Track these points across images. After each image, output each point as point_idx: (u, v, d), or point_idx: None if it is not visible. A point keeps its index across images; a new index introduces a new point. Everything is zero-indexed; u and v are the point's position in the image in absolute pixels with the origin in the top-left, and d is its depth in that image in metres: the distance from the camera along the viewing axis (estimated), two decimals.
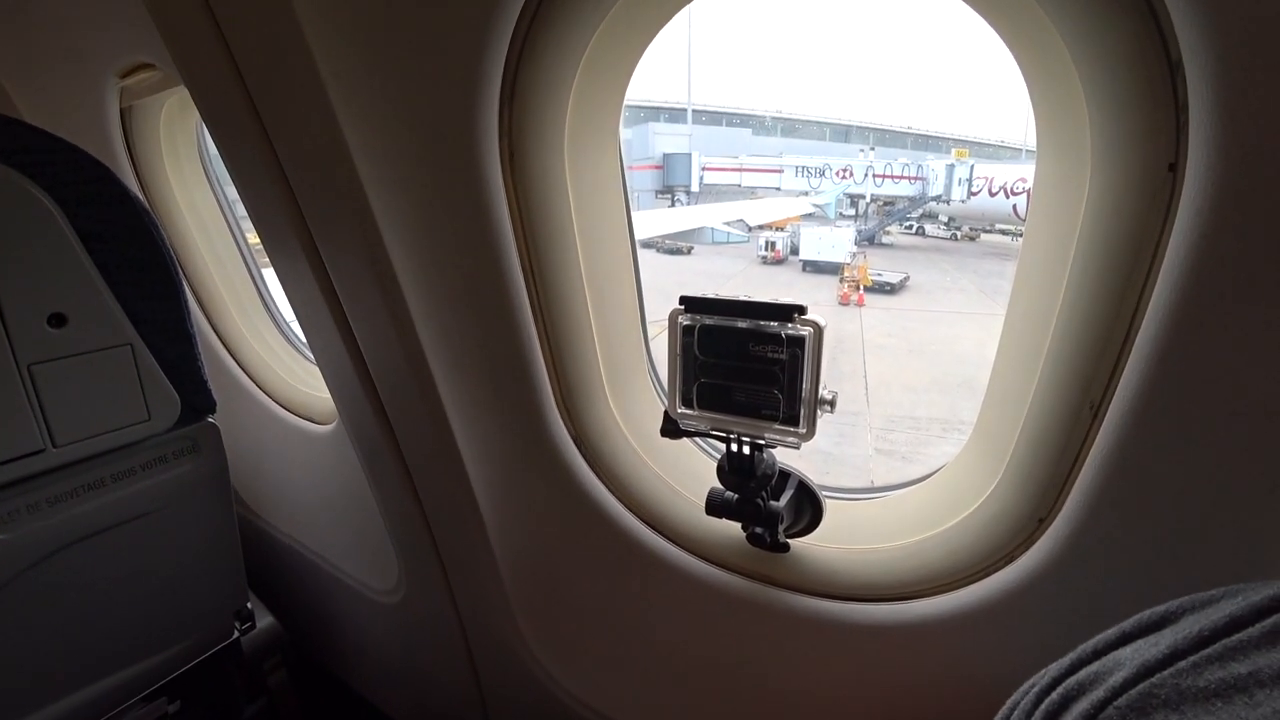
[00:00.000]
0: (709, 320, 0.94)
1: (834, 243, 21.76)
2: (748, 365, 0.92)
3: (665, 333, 1.01)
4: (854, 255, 21.15)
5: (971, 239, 30.37)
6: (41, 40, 1.75)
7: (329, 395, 1.80)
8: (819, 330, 0.86)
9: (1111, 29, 0.70)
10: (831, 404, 0.90)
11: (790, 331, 0.88)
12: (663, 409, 1.23)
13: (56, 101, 1.91)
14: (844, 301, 17.68)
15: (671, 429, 1.05)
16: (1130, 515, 0.82)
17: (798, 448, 0.94)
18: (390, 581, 1.76)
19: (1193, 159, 0.65)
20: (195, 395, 1.35)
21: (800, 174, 31.53)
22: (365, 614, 1.96)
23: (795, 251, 23.03)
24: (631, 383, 1.35)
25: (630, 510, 1.27)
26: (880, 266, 20.55)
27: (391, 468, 1.41)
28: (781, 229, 24.34)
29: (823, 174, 30.90)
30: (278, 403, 2.01)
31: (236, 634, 1.68)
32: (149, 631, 1.49)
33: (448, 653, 1.70)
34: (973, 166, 28.01)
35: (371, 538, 1.72)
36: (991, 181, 27.62)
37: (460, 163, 1.01)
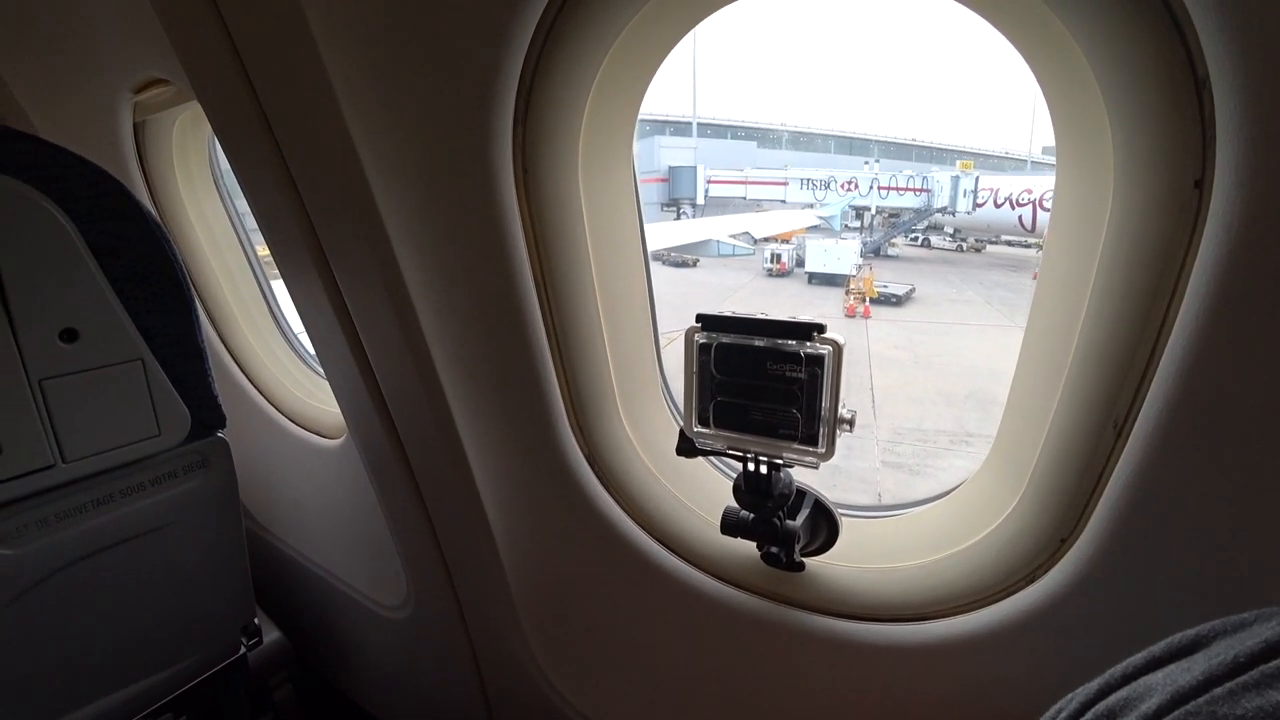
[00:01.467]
0: (726, 338, 0.93)
1: (839, 255, 21.73)
2: (765, 384, 0.91)
3: (673, 344, 0.99)
4: (859, 267, 21.15)
5: (977, 250, 30.30)
6: (57, 56, 1.77)
7: (338, 409, 1.79)
8: (838, 349, 0.86)
9: (1136, 46, 0.69)
10: (850, 423, 0.89)
11: (809, 350, 0.87)
12: (676, 426, 1.22)
13: (71, 116, 1.93)
14: (850, 313, 17.63)
15: (687, 448, 1.04)
16: (1156, 535, 0.81)
17: (816, 467, 0.93)
18: (398, 597, 1.74)
19: (1220, 175, 0.64)
20: (205, 411, 1.34)
21: (805, 186, 31.57)
22: (372, 629, 1.95)
23: (801, 264, 23.01)
24: (644, 400, 1.34)
25: (643, 528, 1.26)
26: (886, 278, 20.50)
27: (401, 483, 1.40)
28: (787, 241, 24.35)
29: (828, 186, 30.91)
30: (286, 416, 2.01)
31: (243, 650, 1.67)
32: (155, 647, 1.48)
33: (456, 669, 1.68)
34: (978, 178, 27.95)
35: (379, 553, 1.70)
36: (997, 192, 27.58)
37: (474, 181, 1.01)
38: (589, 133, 1.07)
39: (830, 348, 0.86)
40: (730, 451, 1.00)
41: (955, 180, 28.17)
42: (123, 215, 1.20)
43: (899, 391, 12.47)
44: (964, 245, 30.54)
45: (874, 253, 27.21)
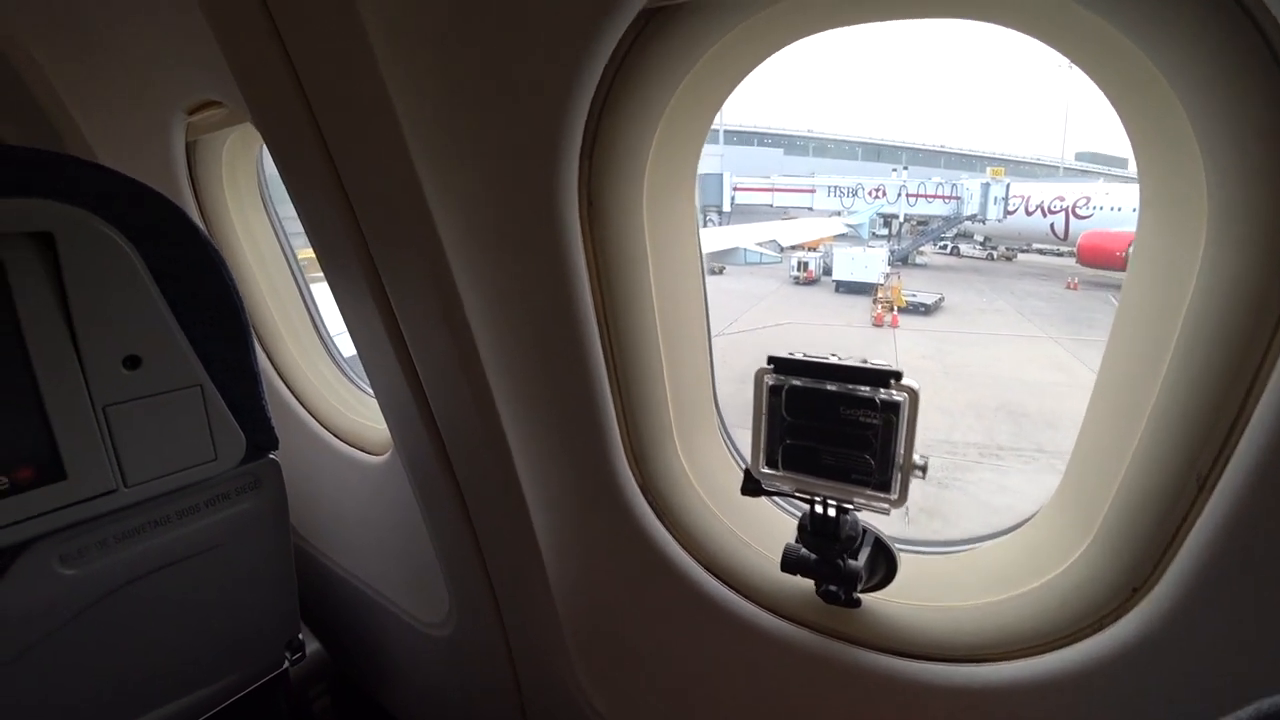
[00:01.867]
0: (798, 382, 0.92)
1: (867, 263, 21.54)
2: (838, 428, 0.90)
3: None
4: (887, 275, 20.90)
5: (1008, 259, 29.85)
6: (114, 77, 1.81)
7: (381, 426, 1.80)
8: (915, 396, 0.84)
9: (1241, 101, 0.67)
10: (924, 469, 0.87)
11: (885, 397, 0.86)
12: (731, 458, 1.21)
13: (127, 136, 1.97)
14: (878, 323, 17.45)
15: (753, 488, 1.02)
16: (1236, 595, 0.78)
17: (887, 513, 0.91)
18: (440, 614, 1.75)
19: None
20: (259, 433, 1.36)
21: (833, 194, 31.27)
22: (412, 645, 1.96)
23: (828, 272, 22.85)
24: (699, 432, 1.33)
25: (697, 560, 1.25)
26: (914, 287, 20.23)
27: (447, 502, 1.41)
28: (814, 249, 24.17)
29: (855, 194, 30.57)
30: (330, 432, 2.03)
31: (287, 664, 1.69)
32: (203, 662, 1.50)
33: (496, 689, 1.68)
34: (1008, 185, 27.52)
35: (422, 569, 1.71)
36: (1028, 200, 27.15)
37: (538, 212, 1.01)
38: (655, 165, 1.06)
39: (907, 395, 0.85)
40: (798, 494, 0.98)
41: (985, 187, 27.71)
42: (182, 240, 1.22)
43: (927, 402, 12.12)
44: (994, 253, 30.10)
45: (902, 261, 26.84)
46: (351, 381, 2.21)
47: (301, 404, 2.12)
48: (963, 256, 30.65)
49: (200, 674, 1.50)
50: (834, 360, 0.89)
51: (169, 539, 1.30)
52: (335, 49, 0.98)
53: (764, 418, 0.96)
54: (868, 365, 0.87)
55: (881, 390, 0.86)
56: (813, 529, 1.00)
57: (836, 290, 21.89)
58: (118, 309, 1.15)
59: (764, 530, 1.25)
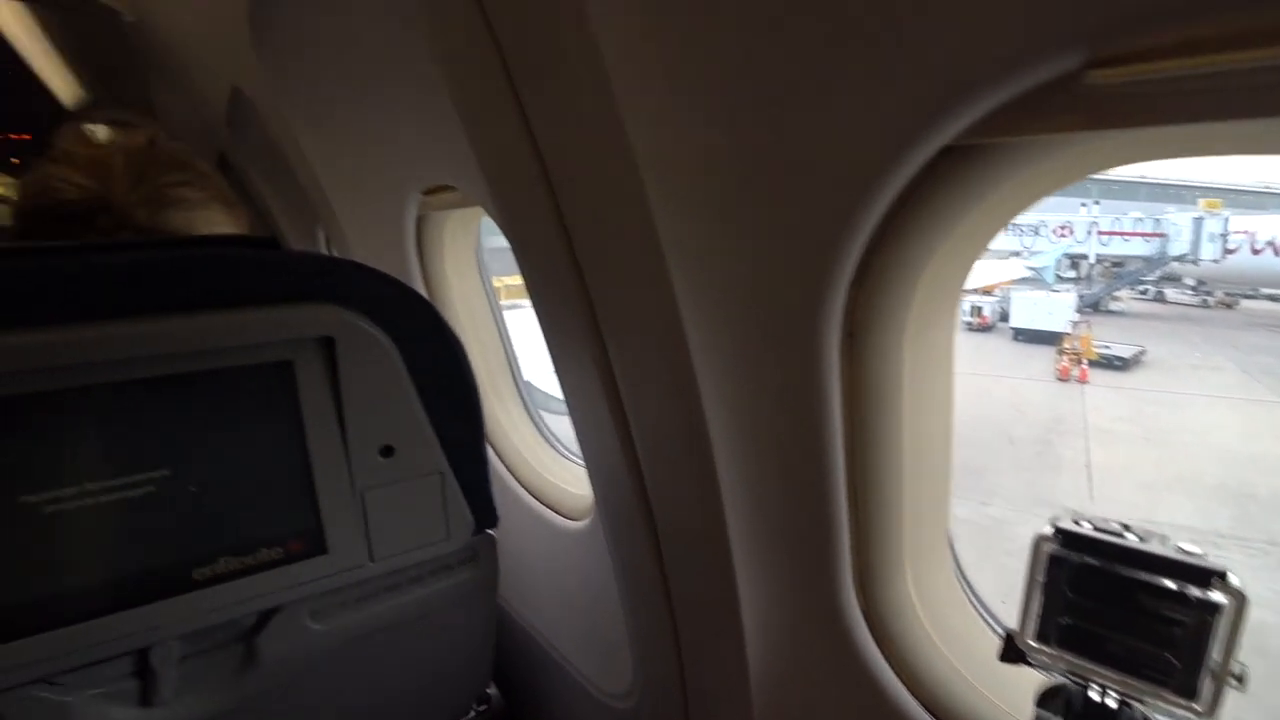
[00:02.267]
0: (1087, 558, 0.82)
1: (1051, 309, 19.49)
2: (1133, 617, 0.80)
3: None
4: (1075, 324, 18.83)
5: (1227, 306, 25.82)
6: (364, 165, 2.08)
7: (578, 491, 1.87)
8: (1242, 600, 0.72)
9: None
10: (1241, 679, 0.74)
11: (1201, 596, 0.74)
12: (960, 589, 1.12)
13: (371, 217, 2.25)
14: (1063, 376, 15.69)
15: (1016, 658, 0.93)
16: None
17: None
18: (622, 686, 1.77)
19: None
20: (483, 513, 1.47)
21: (1011, 233, 28.82)
22: (589, 710, 1.99)
23: (1005, 318, 21.05)
24: (931, 566, 1.26)
25: (918, 700, 1.16)
26: (1108, 337, 17.98)
27: (648, 583, 1.43)
28: (990, 293, 22.41)
29: (1036, 232, 27.88)
30: (532, 494, 2.15)
31: (473, 714, 1.78)
32: (404, 710, 1.62)
33: None
34: (1227, 219, 23.88)
35: (610, 640, 1.75)
36: (1254, 236, 23.37)
37: (793, 336, 1.01)
38: (922, 296, 1.02)
39: (1232, 600, 0.73)
40: (1070, 676, 0.88)
41: (1198, 222, 24.18)
42: (432, 337, 1.35)
43: (1123, 474, 10.74)
44: (1209, 299, 26.21)
45: (1093, 307, 24.02)
46: (550, 444, 2.33)
47: (506, 467, 2.26)
48: (1169, 303, 26.98)
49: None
50: (1134, 541, 0.79)
51: (396, 604, 1.43)
52: (590, 152, 1.04)
53: (1040, 587, 0.86)
54: (1180, 556, 0.76)
55: (1195, 588, 0.74)
56: (1085, 713, 0.88)
57: (1015, 338, 20.01)
58: (378, 402, 1.29)
59: (992, 672, 1.14)
